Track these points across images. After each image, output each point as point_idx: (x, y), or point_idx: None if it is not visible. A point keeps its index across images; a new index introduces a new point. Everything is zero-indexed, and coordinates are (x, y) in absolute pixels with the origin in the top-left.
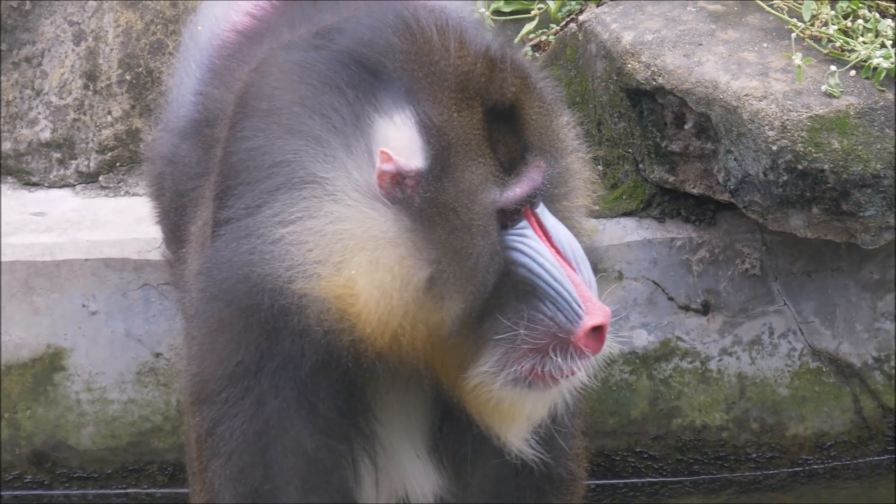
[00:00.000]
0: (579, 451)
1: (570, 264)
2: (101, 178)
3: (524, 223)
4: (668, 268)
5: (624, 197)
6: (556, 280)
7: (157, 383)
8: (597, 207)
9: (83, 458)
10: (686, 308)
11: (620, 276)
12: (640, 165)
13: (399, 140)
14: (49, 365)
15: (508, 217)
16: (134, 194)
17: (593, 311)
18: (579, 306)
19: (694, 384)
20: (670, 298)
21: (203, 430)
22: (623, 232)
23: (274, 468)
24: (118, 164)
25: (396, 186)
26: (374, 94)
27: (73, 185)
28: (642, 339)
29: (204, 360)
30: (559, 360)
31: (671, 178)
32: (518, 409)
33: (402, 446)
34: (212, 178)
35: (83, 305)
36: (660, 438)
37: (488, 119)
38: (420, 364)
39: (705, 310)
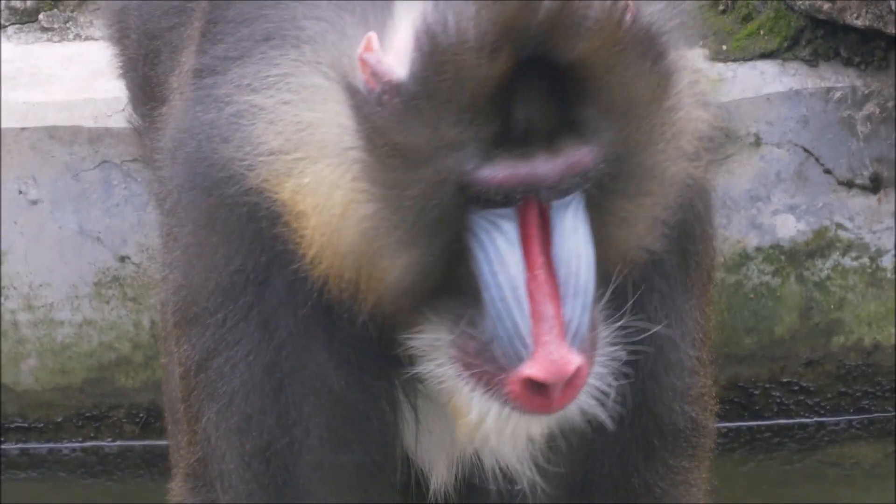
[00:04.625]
0: (704, 390)
1: (553, 291)
2: (41, 17)
3: (506, 212)
4: (823, 129)
5: (761, 32)
6: (502, 300)
7: (122, 298)
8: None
9: (23, 402)
10: (849, 184)
11: (757, 142)
12: None
13: (401, 32)
14: None
15: (483, 196)
16: (87, 37)
17: (542, 358)
18: (523, 345)
19: (861, 289)
20: (827, 171)
21: (193, 362)
22: (761, 80)
23: (291, 414)
24: None
25: (374, 86)
26: None
27: (3, 27)
28: (789, 228)
29: (191, 267)
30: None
31: (826, 5)
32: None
33: None
34: (198, 8)
35: (20, 192)
36: (815, 364)
37: (522, 69)
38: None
39: (875, 186)
